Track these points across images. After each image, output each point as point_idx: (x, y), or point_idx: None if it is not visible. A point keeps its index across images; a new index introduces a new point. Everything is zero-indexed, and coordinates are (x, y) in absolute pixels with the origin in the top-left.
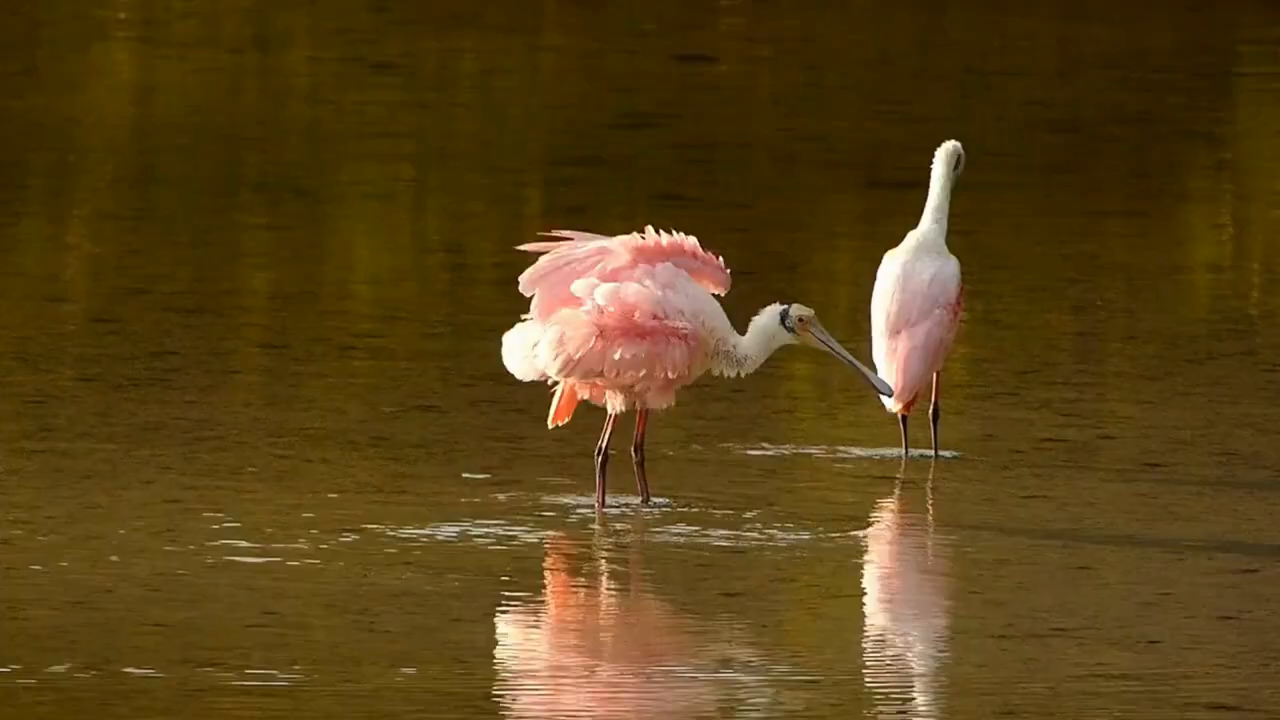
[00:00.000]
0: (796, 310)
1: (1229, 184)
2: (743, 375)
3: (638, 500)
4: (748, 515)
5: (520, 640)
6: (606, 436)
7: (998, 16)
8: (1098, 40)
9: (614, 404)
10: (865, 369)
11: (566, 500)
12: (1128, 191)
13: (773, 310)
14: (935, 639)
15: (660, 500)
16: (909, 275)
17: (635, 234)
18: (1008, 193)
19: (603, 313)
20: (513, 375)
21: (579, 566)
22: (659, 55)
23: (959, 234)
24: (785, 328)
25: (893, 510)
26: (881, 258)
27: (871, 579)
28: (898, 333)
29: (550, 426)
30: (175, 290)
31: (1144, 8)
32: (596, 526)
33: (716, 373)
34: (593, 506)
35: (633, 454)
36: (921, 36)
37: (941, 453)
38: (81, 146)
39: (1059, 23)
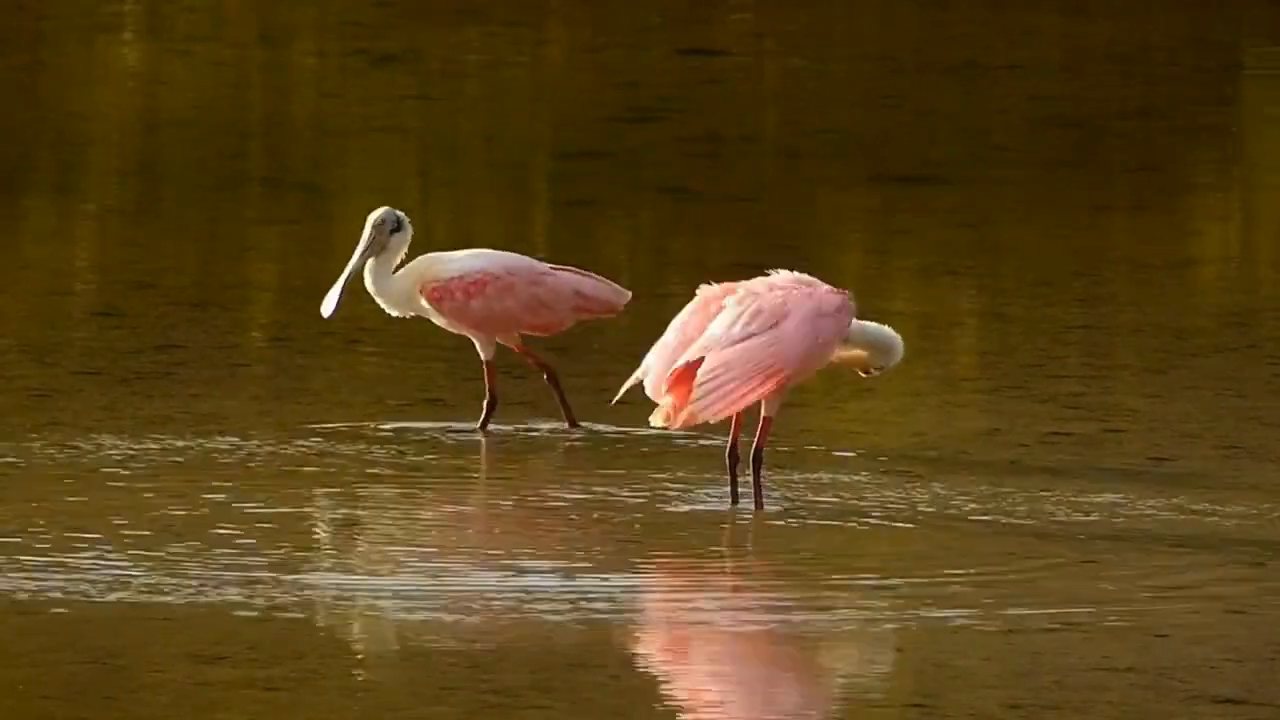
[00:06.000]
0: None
1: (1235, 177)
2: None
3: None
4: (751, 508)
5: (525, 634)
6: (759, 438)
7: (1002, 11)
8: (1102, 34)
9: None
10: None
11: (572, 496)
12: (1133, 185)
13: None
14: (941, 632)
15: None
16: None
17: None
18: (1013, 187)
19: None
20: (520, 370)
21: (583, 561)
22: (664, 49)
23: (964, 227)
24: (869, 368)
25: (897, 504)
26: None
27: (875, 573)
28: None
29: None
30: (181, 284)
31: (1148, 1)
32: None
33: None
34: (593, 500)
35: (751, 460)
36: (926, 30)
37: (934, 450)
38: (87, 141)
39: (1063, 17)
